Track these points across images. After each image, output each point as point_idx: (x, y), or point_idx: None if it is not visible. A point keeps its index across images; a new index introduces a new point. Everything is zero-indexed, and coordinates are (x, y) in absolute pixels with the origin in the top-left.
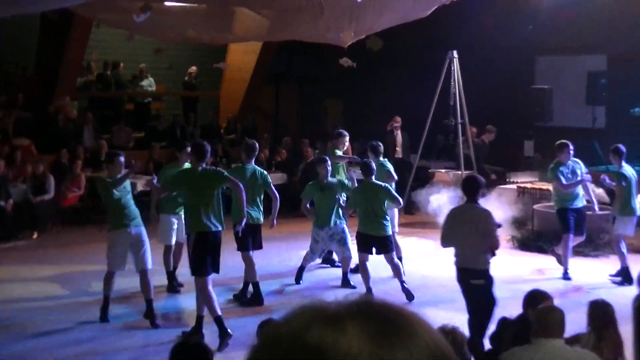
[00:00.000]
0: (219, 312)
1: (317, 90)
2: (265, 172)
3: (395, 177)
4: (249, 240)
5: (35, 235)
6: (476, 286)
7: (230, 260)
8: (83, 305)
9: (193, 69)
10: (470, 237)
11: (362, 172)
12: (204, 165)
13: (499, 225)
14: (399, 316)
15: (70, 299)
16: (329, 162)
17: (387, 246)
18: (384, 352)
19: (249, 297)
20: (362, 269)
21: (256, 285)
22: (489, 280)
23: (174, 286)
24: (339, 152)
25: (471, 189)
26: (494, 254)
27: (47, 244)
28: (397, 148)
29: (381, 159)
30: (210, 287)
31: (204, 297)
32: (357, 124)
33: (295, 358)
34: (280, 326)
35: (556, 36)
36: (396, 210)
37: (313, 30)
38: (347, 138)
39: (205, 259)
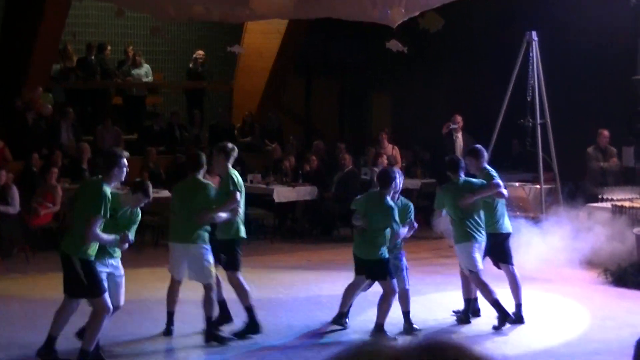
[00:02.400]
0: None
1: (359, 83)
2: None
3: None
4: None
5: None
6: None
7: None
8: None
9: (200, 53)
10: None
11: None
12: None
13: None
14: None
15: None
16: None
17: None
18: None
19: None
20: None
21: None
22: None
23: None
24: None
25: None
26: None
27: (14, 275)
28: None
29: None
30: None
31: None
32: (409, 125)
33: None
34: None
35: None
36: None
37: (355, 5)
38: None
39: None
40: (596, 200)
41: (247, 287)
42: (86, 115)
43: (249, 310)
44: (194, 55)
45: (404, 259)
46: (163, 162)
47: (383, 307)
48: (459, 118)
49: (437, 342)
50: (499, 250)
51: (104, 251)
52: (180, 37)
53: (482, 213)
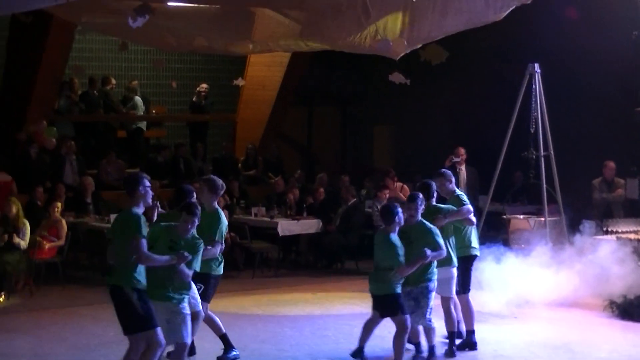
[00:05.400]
0: None
1: (361, 114)
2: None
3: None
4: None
5: (1, 298)
6: None
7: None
8: None
9: (203, 86)
10: None
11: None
12: None
13: None
14: None
15: None
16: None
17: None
18: None
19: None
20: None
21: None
22: None
23: None
24: None
25: None
26: None
27: (18, 309)
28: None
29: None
30: None
31: None
32: (412, 157)
33: None
34: None
35: None
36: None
37: (356, 37)
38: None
39: None
40: (601, 232)
41: (216, 317)
42: (90, 149)
43: (223, 337)
44: (197, 89)
45: (432, 295)
46: (166, 196)
47: (396, 343)
48: (462, 150)
49: None
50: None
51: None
52: (183, 70)
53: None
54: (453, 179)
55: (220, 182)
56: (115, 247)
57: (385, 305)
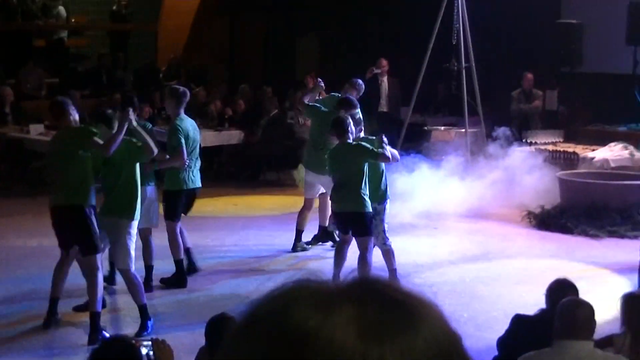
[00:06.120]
0: None
1: (285, 24)
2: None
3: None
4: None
5: None
6: None
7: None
8: None
9: None
10: None
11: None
12: None
13: None
14: (403, 304)
15: None
16: None
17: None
18: (369, 346)
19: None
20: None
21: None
22: None
23: None
24: None
25: None
26: None
27: None
28: (380, 100)
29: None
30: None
31: None
32: (337, 68)
33: (273, 340)
34: (262, 304)
35: None
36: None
37: None
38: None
39: None
40: (520, 143)
41: (180, 240)
42: (8, 58)
43: (178, 264)
44: None
45: (384, 216)
46: (88, 105)
47: (363, 264)
48: (384, 62)
49: (367, 277)
50: None
51: None
52: None
53: None
54: (362, 90)
55: (182, 89)
56: (59, 165)
57: (359, 224)
